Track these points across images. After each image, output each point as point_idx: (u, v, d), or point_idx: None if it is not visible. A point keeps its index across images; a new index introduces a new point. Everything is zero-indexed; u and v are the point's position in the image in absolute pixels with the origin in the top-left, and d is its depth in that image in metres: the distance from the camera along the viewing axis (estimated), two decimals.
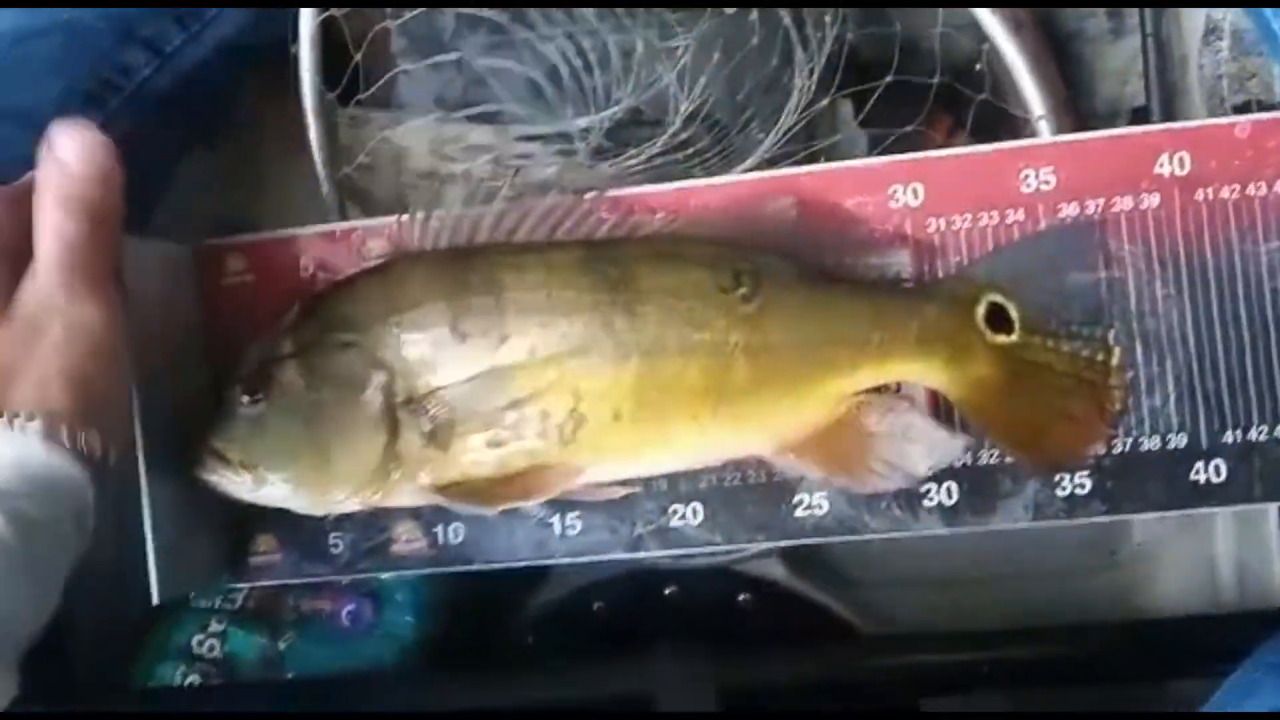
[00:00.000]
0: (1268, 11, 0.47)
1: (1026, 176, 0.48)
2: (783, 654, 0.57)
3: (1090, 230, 0.48)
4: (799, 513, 0.49)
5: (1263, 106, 0.58)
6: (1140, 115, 0.62)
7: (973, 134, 0.56)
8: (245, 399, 0.47)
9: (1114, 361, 0.47)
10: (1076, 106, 0.62)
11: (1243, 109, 0.58)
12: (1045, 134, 0.55)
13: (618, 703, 0.54)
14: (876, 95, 0.54)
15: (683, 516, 0.50)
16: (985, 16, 0.54)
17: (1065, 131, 0.55)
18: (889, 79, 0.54)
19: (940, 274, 0.49)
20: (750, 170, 0.54)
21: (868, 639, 0.64)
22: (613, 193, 0.49)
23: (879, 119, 0.56)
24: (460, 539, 0.51)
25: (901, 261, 0.49)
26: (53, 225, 0.41)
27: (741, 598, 0.64)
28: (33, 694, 0.43)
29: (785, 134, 0.54)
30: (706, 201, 0.49)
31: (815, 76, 0.53)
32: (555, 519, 0.51)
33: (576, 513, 0.51)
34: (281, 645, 0.61)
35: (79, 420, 0.40)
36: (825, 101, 0.54)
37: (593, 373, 0.45)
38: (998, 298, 0.47)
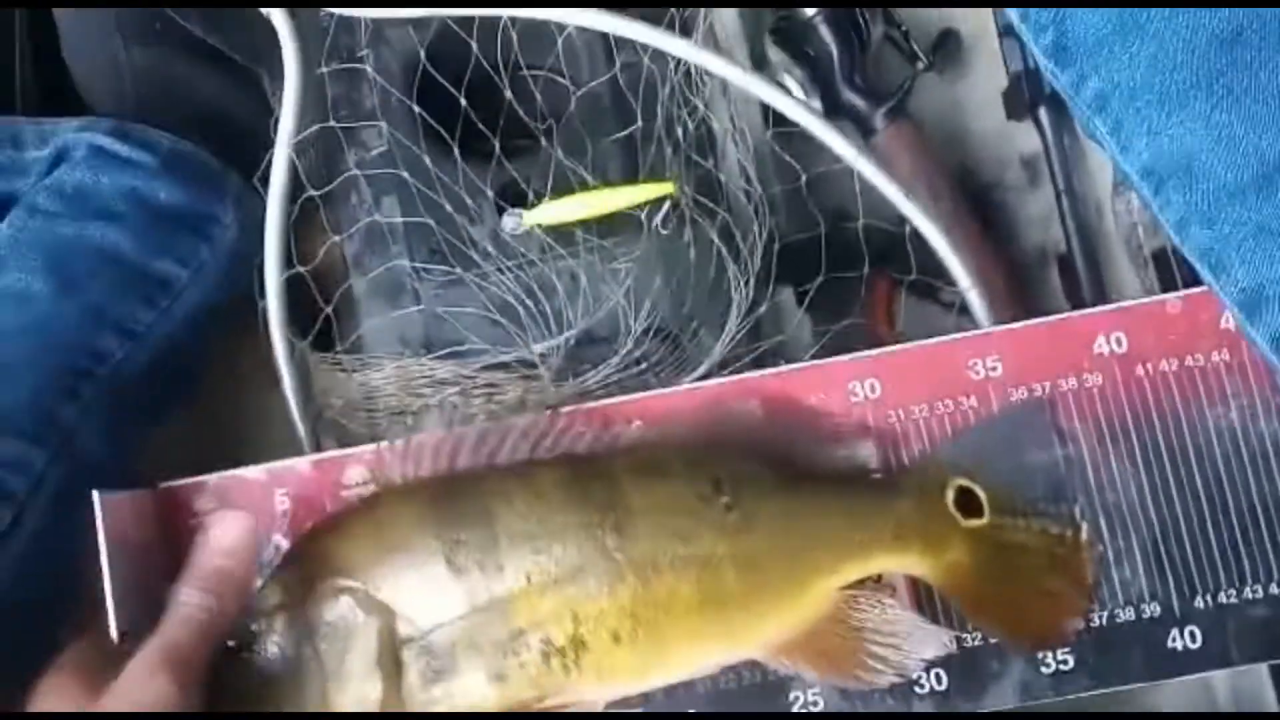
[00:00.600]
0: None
1: (975, 365, 0.51)
2: None
3: (1041, 409, 0.50)
4: (795, 709, 0.50)
5: (1178, 252, 0.62)
6: (1066, 262, 0.65)
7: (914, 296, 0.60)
8: (236, 653, 0.46)
9: (1082, 537, 0.49)
10: (999, 257, 0.66)
11: (1159, 255, 0.62)
12: (975, 304, 0.58)
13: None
14: (810, 294, 0.58)
15: None
16: (902, 202, 0.57)
17: (996, 296, 0.58)
18: (820, 279, 0.58)
19: (906, 460, 0.51)
20: (703, 376, 0.57)
21: None
22: (586, 406, 0.50)
23: (826, 301, 0.59)
24: None
25: (867, 452, 0.51)
26: (176, 602, 0.43)
27: None
28: None
29: (732, 339, 0.57)
30: (676, 407, 0.51)
31: (750, 288, 0.57)
32: None
33: None
34: None
35: None
36: (763, 308, 0.58)
37: (589, 596, 0.45)
38: (965, 482, 0.49)
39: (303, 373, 0.57)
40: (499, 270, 0.57)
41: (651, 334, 0.56)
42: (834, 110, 0.68)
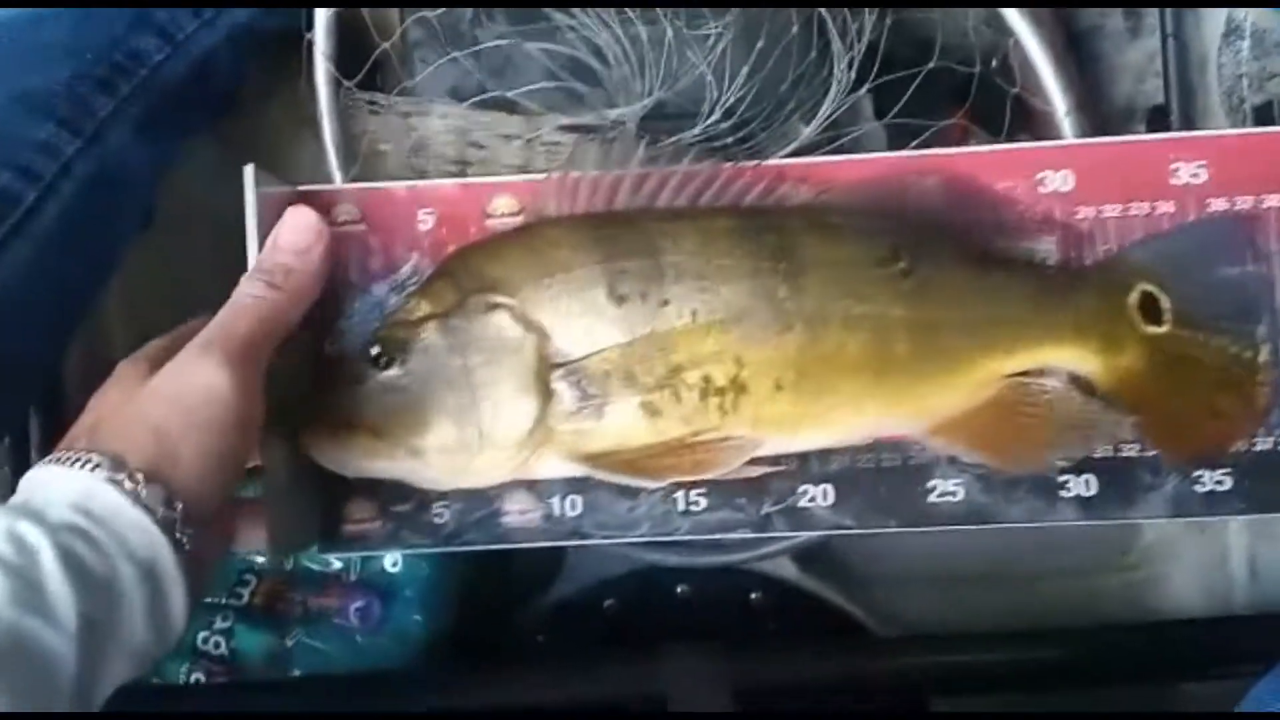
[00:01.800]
0: None
1: (1178, 169, 0.48)
2: (795, 655, 0.56)
3: (1239, 224, 0.48)
4: (932, 498, 0.48)
5: None
6: (1158, 114, 0.62)
7: (994, 130, 0.55)
8: (379, 363, 0.45)
9: (1261, 358, 0.47)
10: (1095, 104, 0.63)
11: (1262, 109, 0.58)
12: (1068, 131, 0.54)
13: (630, 702, 0.53)
14: (913, 86, 0.53)
15: (813, 498, 0.49)
16: (1010, 13, 0.53)
17: (1086, 128, 0.54)
18: (930, 65, 0.53)
19: (1088, 262, 0.48)
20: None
21: (879, 641, 0.64)
22: (759, 163, 0.48)
23: (899, 114, 0.54)
24: (578, 511, 0.50)
25: (1049, 248, 0.48)
26: (237, 291, 0.42)
27: (753, 596, 0.64)
28: None
29: (825, 121, 0.53)
30: (856, 175, 0.48)
31: (855, 68, 0.53)
32: (679, 494, 0.49)
33: (702, 489, 0.49)
34: (288, 642, 0.60)
35: (151, 470, 0.38)
36: (864, 91, 0.53)
37: (755, 341, 0.44)
38: (1150, 288, 0.47)
39: (344, 115, 0.55)
40: (571, 26, 0.53)
41: (738, 111, 0.52)
42: None
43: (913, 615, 0.64)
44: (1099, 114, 0.62)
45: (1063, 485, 0.48)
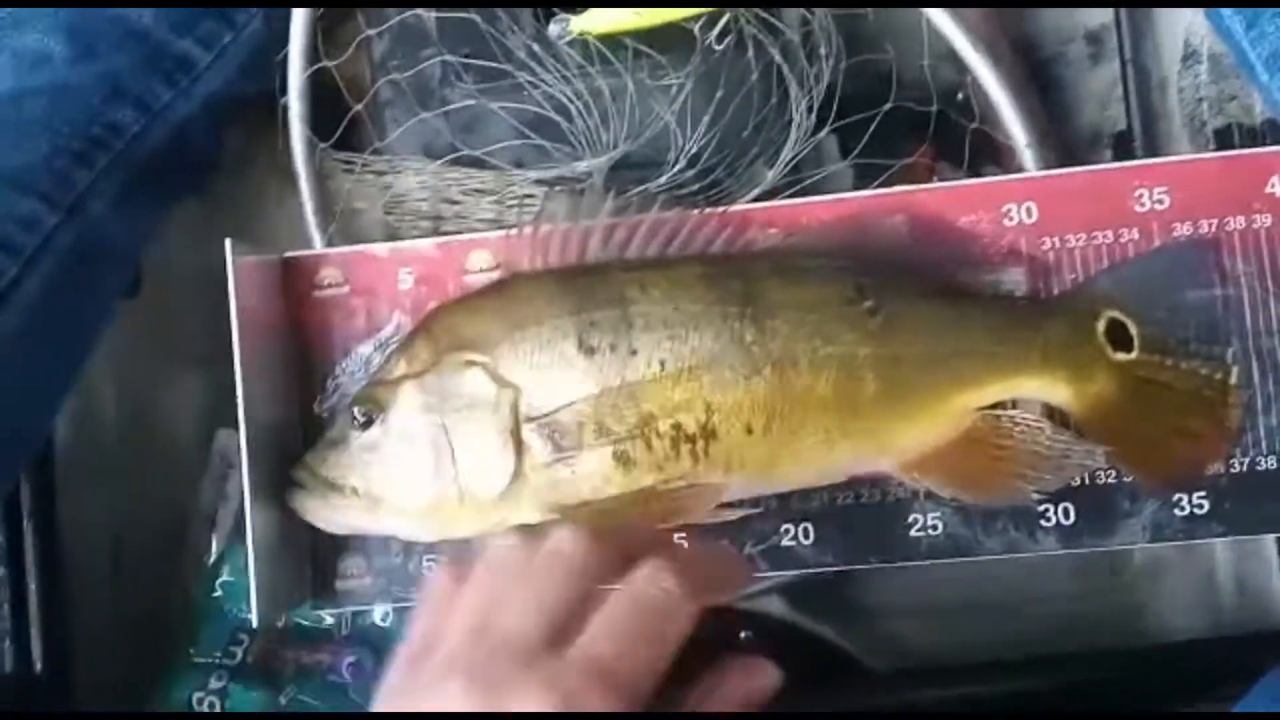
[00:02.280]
0: (1240, 36, 0.47)
1: (1141, 195, 0.48)
2: (788, 693, 0.55)
3: (1206, 248, 0.48)
4: (913, 532, 0.49)
5: (1242, 129, 0.59)
6: (1122, 140, 0.62)
7: (959, 164, 0.56)
8: (359, 422, 0.46)
9: (1232, 380, 0.47)
10: (1059, 133, 0.63)
11: (1223, 132, 0.59)
12: (1029, 163, 0.54)
13: None
14: (874, 125, 0.53)
15: (794, 536, 0.49)
16: (967, 50, 0.54)
17: (1048, 158, 0.54)
18: (887, 106, 0.53)
19: (1055, 292, 0.49)
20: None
21: (871, 674, 0.63)
22: (720, 209, 0.49)
23: (865, 155, 0.54)
24: None
25: (1016, 279, 0.49)
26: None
27: (743, 635, 0.63)
28: None
29: (786, 166, 0.53)
30: (819, 217, 0.49)
31: (815, 111, 0.53)
32: None
33: (683, 532, 0.49)
34: (283, 700, 0.60)
35: None
36: (825, 133, 0.54)
37: (724, 386, 0.44)
38: (1118, 314, 0.47)
39: (319, 176, 0.56)
40: (538, 81, 0.53)
41: (702, 158, 0.52)
42: None
43: (904, 646, 0.64)
44: (1063, 142, 0.62)
45: (1042, 515, 0.48)
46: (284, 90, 0.55)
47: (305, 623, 0.61)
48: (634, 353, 0.44)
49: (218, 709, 0.60)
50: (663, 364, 0.44)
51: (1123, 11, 0.60)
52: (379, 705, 0.34)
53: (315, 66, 0.55)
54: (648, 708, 0.32)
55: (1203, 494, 0.47)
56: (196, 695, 0.60)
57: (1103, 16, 0.63)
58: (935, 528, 0.49)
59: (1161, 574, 0.65)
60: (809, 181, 0.53)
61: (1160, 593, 0.64)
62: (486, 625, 0.33)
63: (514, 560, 0.35)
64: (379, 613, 0.60)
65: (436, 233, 0.55)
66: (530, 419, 0.45)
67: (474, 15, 0.54)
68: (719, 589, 0.37)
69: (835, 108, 0.52)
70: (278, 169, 0.60)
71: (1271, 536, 0.58)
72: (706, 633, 0.61)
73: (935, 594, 0.65)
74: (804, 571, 0.50)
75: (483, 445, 0.44)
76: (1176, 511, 0.48)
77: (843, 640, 0.63)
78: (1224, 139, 0.56)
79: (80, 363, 0.53)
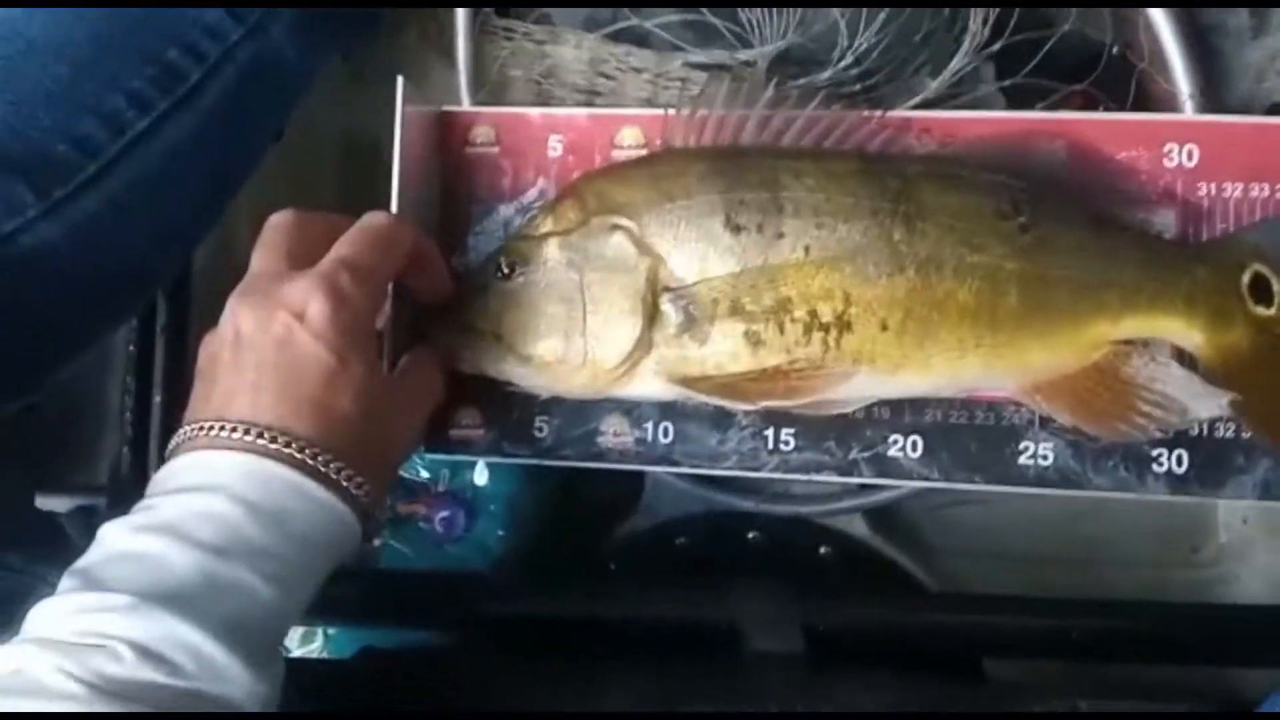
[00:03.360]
0: None
1: None
2: (861, 602, 0.56)
3: None
4: (1022, 460, 0.49)
5: None
6: (1275, 111, 0.61)
7: (1121, 104, 0.55)
8: (503, 272, 0.47)
9: None
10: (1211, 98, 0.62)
11: None
12: (1190, 113, 0.54)
13: (698, 626, 0.54)
14: (1043, 52, 0.53)
15: (902, 447, 0.50)
16: None
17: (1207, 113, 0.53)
18: (1063, 28, 0.53)
19: (1204, 237, 0.48)
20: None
21: (937, 597, 0.64)
22: (885, 112, 0.49)
23: (1019, 83, 0.54)
24: (669, 439, 0.51)
25: (1167, 221, 0.48)
26: (332, 273, 0.42)
27: (822, 549, 0.64)
28: None
29: (954, 75, 0.53)
30: (980, 132, 0.49)
31: (989, 26, 0.52)
32: (769, 431, 0.50)
33: (793, 428, 0.50)
34: (376, 543, 0.62)
35: (327, 451, 0.41)
36: (996, 47, 0.53)
37: (866, 280, 0.45)
38: (1263, 269, 0.47)
39: (477, 39, 0.56)
40: None
41: (867, 61, 0.52)
42: None
43: (974, 585, 0.65)
44: (1220, 105, 0.61)
45: (1155, 459, 0.48)
46: None
47: (405, 474, 0.63)
48: (780, 236, 0.45)
49: None
50: (807, 250, 0.45)
51: None
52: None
53: None
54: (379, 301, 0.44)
55: None
56: None
57: None
58: (1046, 457, 0.49)
59: (1245, 554, 0.65)
60: (963, 100, 0.53)
61: (1242, 572, 0.64)
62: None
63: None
64: (479, 474, 0.62)
65: (588, 107, 0.55)
66: (668, 289, 0.46)
67: None
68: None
69: (1008, 28, 0.52)
70: (428, 36, 0.61)
71: None
72: (788, 543, 0.62)
73: (1012, 542, 0.65)
74: (907, 484, 0.51)
75: (615, 307, 0.45)
76: None
77: (917, 569, 0.64)
78: None
79: (237, 185, 0.54)
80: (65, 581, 0.37)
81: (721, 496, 0.63)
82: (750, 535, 0.64)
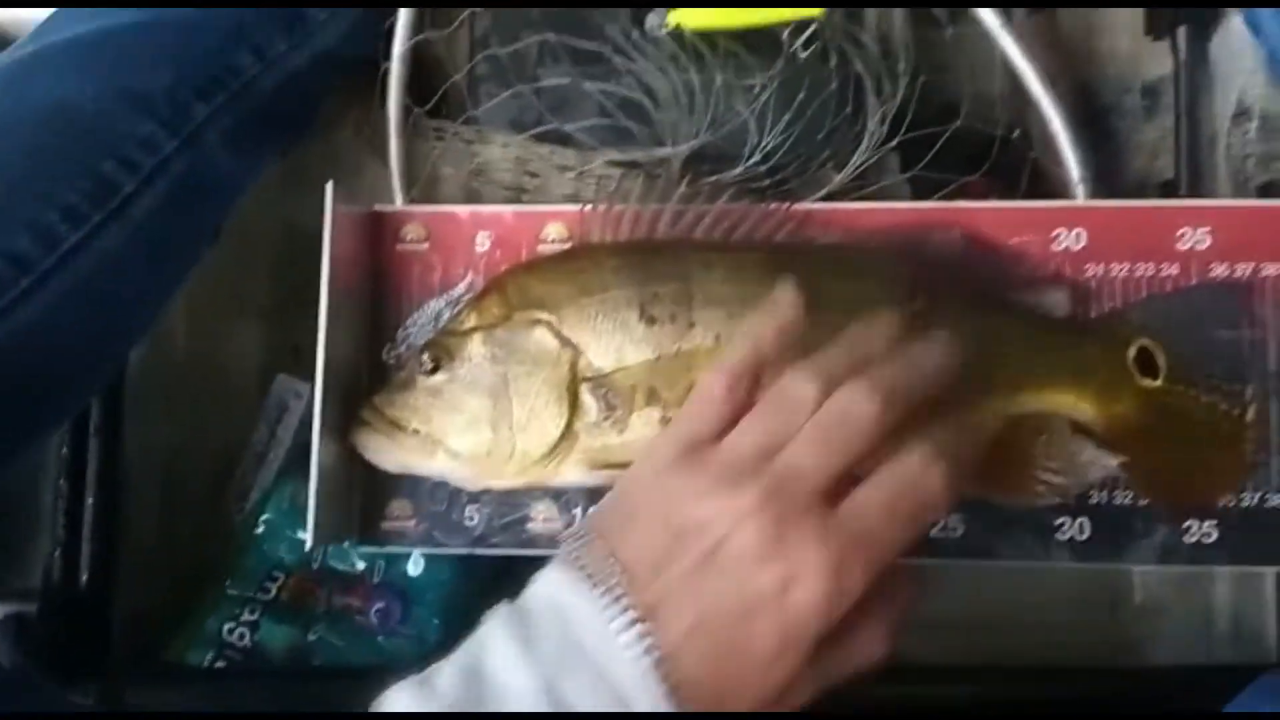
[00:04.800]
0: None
1: (1184, 234, 0.51)
2: None
3: (1239, 291, 0.50)
4: (934, 532, 0.51)
5: None
6: (1168, 189, 0.65)
7: (1014, 191, 0.59)
8: (427, 368, 0.48)
9: (1249, 417, 0.49)
10: (1108, 179, 0.66)
11: (1266, 188, 0.61)
12: (1081, 198, 0.57)
13: None
14: (939, 144, 0.56)
15: None
16: (1033, 83, 0.57)
17: (1098, 196, 0.57)
18: (956, 124, 0.56)
19: (1094, 315, 0.51)
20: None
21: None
22: (791, 205, 0.52)
23: (924, 170, 0.58)
24: None
25: (1058, 300, 0.51)
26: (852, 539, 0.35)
27: None
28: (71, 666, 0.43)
29: (855, 170, 0.56)
30: (880, 223, 0.52)
31: (887, 122, 0.56)
32: None
33: None
34: (310, 637, 0.62)
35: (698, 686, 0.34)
36: (894, 144, 0.57)
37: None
38: (1148, 343, 0.50)
39: (410, 139, 0.59)
40: (629, 69, 0.57)
41: (775, 157, 0.56)
42: None
43: (901, 656, 0.66)
44: (1110, 189, 0.65)
45: (1058, 528, 0.51)
46: (387, 55, 0.59)
47: (339, 566, 0.63)
48: (692, 325, 0.47)
49: (247, 640, 0.62)
50: (718, 338, 0.47)
51: (1184, 60, 0.63)
52: (635, 478, 0.38)
53: (419, 36, 0.58)
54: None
55: (1213, 523, 0.50)
56: (228, 626, 0.62)
57: (1160, 70, 0.66)
58: (956, 529, 0.51)
59: (1161, 611, 0.67)
60: (870, 190, 0.56)
61: (1157, 630, 0.66)
62: (775, 451, 0.36)
63: (808, 398, 0.37)
64: (412, 564, 0.63)
65: (515, 203, 0.57)
66: (587, 379, 0.48)
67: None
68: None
69: (905, 123, 0.55)
70: (365, 134, 0.63)
71: (1271, 578, 0.60)
72: None
73: (936, 608, 0.67)
74: None
75: (539, 399, 0.47)
76: (1186, 538, 0.50)
77: None
78: (1267, 195, 0.59)
79: (172, 290, 0.56)
80: None
81: None
82: None
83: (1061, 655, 0.67)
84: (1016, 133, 0.60)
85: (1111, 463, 0.47)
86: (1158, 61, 0.66)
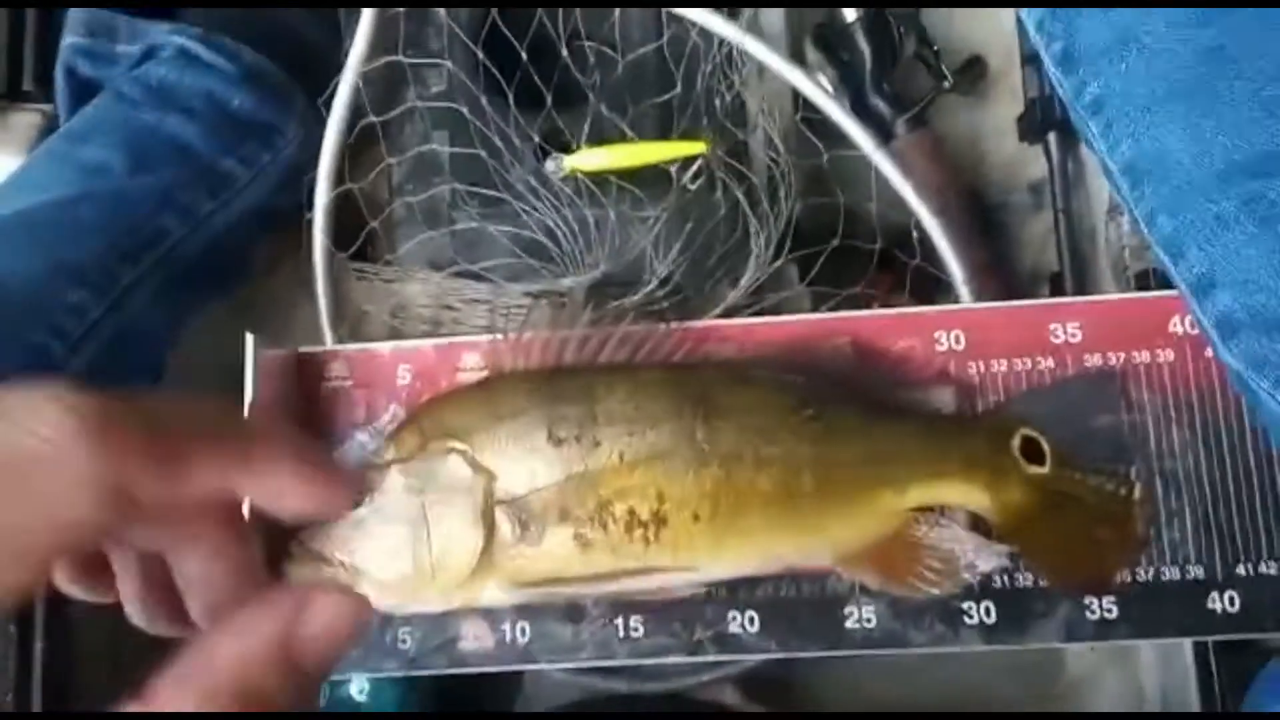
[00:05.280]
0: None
1: (1056, 329, 0.55)
2: None
3: (1114, 379, 0.54)
4: (849, 624, 0.53)
5: (1158, 275, 0.65)
6: (1057, 280, 0.69)
7: (911, 293, 0.63)
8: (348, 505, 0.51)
9: (1135, 495, 0.52)
10: (999, 270, 0.70)
11: (1142, 276, 0.65)
12: (965, 297, 0.62)
13: None
14: (822, 259, 0.61)
15: (740, 624, 0.54)
16: (912, 200, 0.61)
17: (984, 292, 0.62)
18: (834, 243, 0.61)
19: (980, 408, 0.54)
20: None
21: None
22: (688, 324, 0.55)
23: (823, 281, 0.62)
24: (527, 637, 0.55)
25: (944, 398, 0.54)
26: None
27: None
28: None
29: (745, 290, 0.61)
30: (774, 335, 0.55)
31: (774, 243, 0.61)
32: (619, 620, 0.54)
33: (640, 616, 0.54)
34: None
35: None
36: (780, 262, 0.61)
37: (675, 477, 0.50)
38: (1032, 432, 0.53)
39: (335, 282, 0.63)
40: (533, 209, 0.61)
41: (673, 280, 0.60)
42: (859, 112, 0.69)
43: None
44: (1006, 281, 0.69)
45: (965, 613, 0.53)
46: (310, 205, 0.62)
47: None
48: (597, 444, 0.50)
49: None
50: (622, 455, 0.50)
51: (1057, 163, 0.67)
52: None
53: (341, 189, 0.62)
54: None
55: (1112, 599, 0.52)
56: None
57: (1042, 170, 0.71)
58: (869, 620, 0.53)
59: (1095, 683, 0.69)
60: (769, 303, 0.60)
61: (1091, 701, 0.68)
62: None
63: None
64: (356, 687, 0.64)
65: (434, 336, 0.61)
66: (501, 502, 0.50)
67: (480, 151, 0.62)
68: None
69: (791, 241, 0.59)
70: (297, 276, 0.67)
71: (1189, 650, 0.62)
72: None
73: (880, 692, 0.69)
74: (747, 657, 0.55)
75: (456, 525, 0.50)
76: (1088, 614, 0.52)
77: None
78: (1143, 282, 0.63)
79: None
80: None
81: (596, 681, 0.66)
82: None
83: None
84: (916, 236, 0.64)
85: (1000, 552, 0.50)
86: (1039, 164, 0.71)
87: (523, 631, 0.55)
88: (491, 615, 0.55)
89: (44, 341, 0.52)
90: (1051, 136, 0.68)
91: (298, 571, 0.51)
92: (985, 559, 0.50)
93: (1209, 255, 0.42)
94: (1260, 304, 0.41)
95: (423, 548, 0.50)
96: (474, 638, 0.55)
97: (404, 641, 0.55)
